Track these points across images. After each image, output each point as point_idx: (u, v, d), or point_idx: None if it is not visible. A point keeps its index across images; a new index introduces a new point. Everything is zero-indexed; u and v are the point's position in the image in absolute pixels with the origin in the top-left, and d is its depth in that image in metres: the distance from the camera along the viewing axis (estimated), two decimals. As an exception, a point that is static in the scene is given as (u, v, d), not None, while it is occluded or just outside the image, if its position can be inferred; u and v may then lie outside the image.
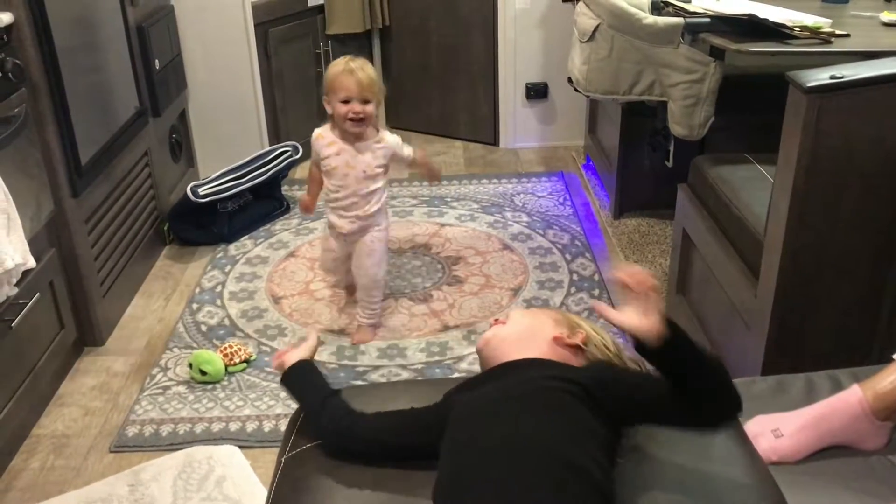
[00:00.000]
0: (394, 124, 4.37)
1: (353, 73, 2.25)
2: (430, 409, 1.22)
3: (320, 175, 2.43)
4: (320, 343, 1.37)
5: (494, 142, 4.12)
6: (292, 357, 1.34)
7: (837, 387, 1.45)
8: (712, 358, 1.06)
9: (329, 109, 2.35)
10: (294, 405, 2.13)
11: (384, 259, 2.50)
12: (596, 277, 2.82)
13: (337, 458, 1.22)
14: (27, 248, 2.00)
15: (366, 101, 2.28)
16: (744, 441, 1.23)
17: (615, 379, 1.15)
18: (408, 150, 2.45)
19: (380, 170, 2.38)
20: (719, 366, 1.06)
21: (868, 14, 2.55)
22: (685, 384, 1.04)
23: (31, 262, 2.02)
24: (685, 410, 1.06)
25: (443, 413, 1.18)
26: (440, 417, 1.17)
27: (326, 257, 2.58)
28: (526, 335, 1.29)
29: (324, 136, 2.39)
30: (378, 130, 2.40)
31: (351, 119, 2.28)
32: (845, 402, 1.34)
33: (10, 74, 2.06)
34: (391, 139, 2.40)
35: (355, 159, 2.35)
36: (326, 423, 1.23)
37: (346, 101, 2.27)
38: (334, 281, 2.72)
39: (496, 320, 1.38)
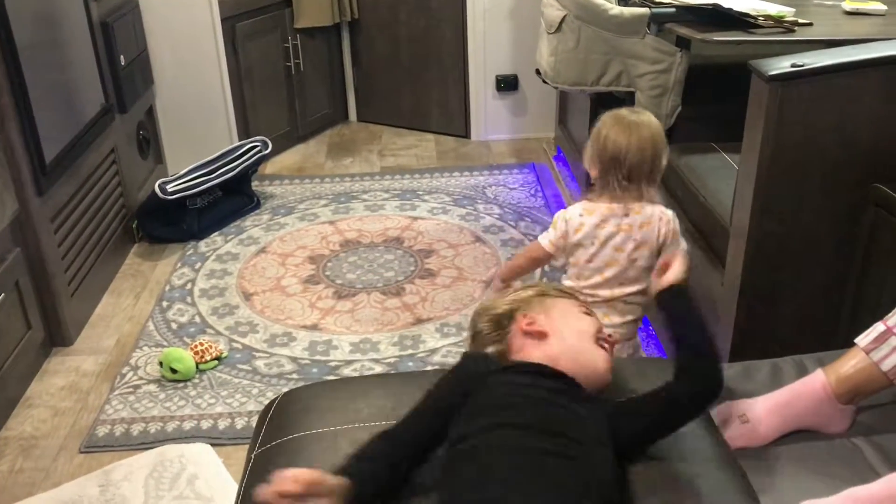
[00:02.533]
0: (364, 118, 4.35)
1: None
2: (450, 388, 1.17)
3: None
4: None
5: (466, 134, 4.12)
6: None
7: (803, 372, 1.47)
8: (708, 329, 1.20)
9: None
10: (265, 401, 2.12)
11: None
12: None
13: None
14: (-9, 248, 1.98)
15: None
16: (710, 427, 1.25)
17: (625, 411, 1.17)
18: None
19: None
20: (712, 339, 1.19)
21: (830, 3, 2.58)
22: (681, 340, 1.18)
23: (-5, 263, 2.00)
24: (671, 395, 1.14)
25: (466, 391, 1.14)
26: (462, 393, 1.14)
27: None
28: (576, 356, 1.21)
29: None
30: None
31: None
32: (809, 386, 1.36)
33: (-31, 72, 2.03)
34: None
35: None
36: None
37: None
38: None
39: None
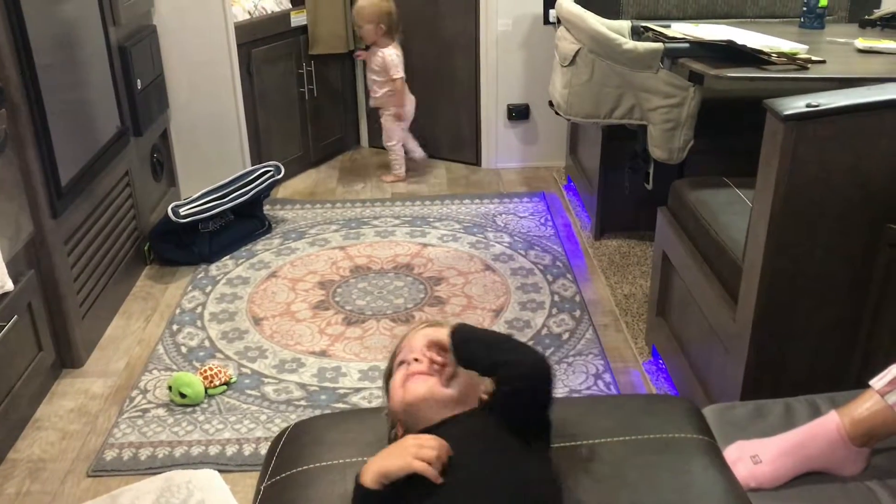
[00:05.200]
0: (376, 144, 4.38)
1: None
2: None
3: None
4: None
5: (477, 162, 4.14)
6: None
7: (816, 412, 1.46)
8: (501, 338, 1.24)
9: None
10: (273, 427, 2.11)
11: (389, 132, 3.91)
12: (577, 298, 2.83)
13: None
14: (5, 270, 1.99)
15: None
16: (723, 467, 1.24)
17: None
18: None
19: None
20: (507, 340, 1.23)
21: (843, 40, 2.60)
22: (497, 366, 1.18)
23: (9, 285, 2.00)
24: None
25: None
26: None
27: None
28: (465, 394, 1.21)
29: None
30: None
31: None
32: (823, 428, 1.35)
33: (-11, 95, 2.05)
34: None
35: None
36: None
37: None
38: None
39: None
